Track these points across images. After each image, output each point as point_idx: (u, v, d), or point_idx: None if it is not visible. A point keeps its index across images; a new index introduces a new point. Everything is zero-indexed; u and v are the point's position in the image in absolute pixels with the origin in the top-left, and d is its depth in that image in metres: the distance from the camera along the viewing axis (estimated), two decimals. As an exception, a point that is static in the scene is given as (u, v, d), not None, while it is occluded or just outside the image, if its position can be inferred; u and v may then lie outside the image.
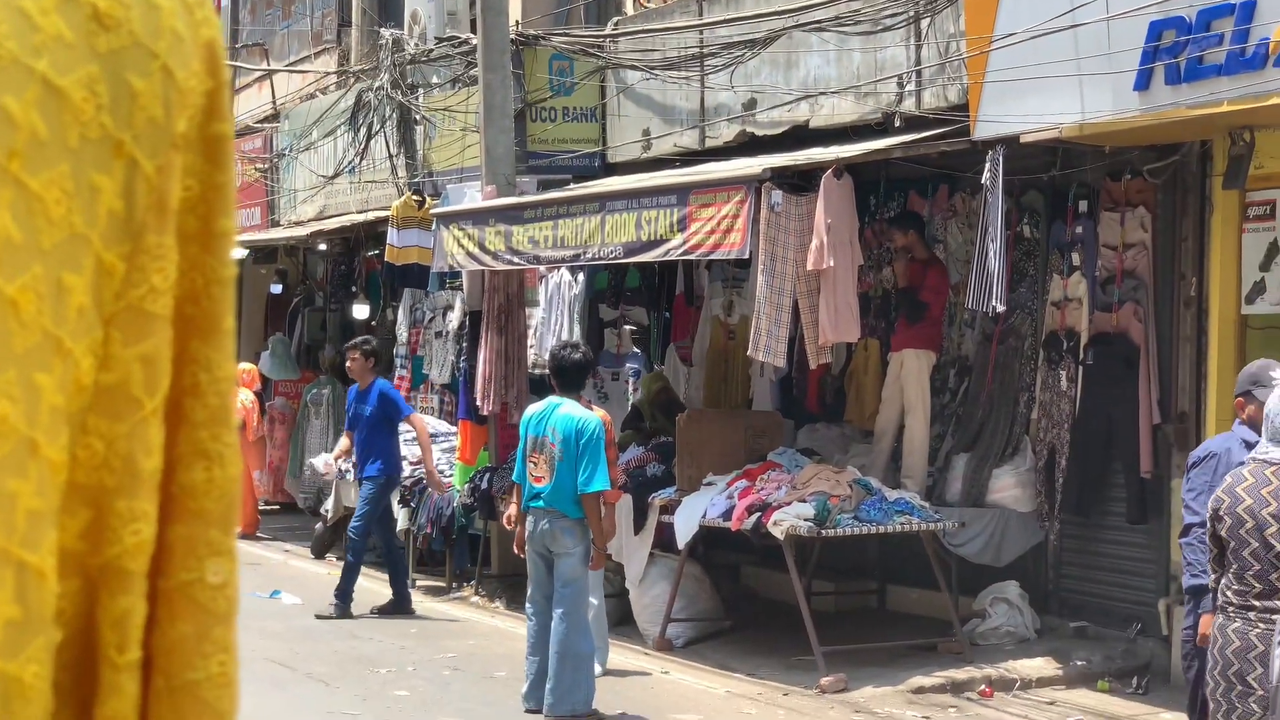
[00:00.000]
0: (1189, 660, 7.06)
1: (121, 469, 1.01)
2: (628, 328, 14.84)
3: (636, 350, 14.57)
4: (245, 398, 16.49)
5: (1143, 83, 9.20)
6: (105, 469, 1.00)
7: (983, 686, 9.84)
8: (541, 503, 9.08)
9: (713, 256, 11.21)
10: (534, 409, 10.05)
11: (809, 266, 10.27)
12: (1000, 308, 9.99)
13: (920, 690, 9.77)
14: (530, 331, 13.91)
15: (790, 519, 10.00)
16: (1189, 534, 6.64)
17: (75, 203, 0.97)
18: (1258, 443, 6.28)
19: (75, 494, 0.99)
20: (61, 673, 0.99)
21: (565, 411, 9.20)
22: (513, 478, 9.87)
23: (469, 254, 13.07)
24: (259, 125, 21.31)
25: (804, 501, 10.33)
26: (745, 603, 12.35)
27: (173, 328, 1.04)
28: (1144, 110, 9.24)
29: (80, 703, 1.01)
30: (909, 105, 11.00)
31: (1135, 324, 10.48)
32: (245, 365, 19.40)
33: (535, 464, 9.27)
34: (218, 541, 1.06)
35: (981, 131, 10.10)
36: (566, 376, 9.46)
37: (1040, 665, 10.19)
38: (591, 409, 9.58)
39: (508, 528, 10.33)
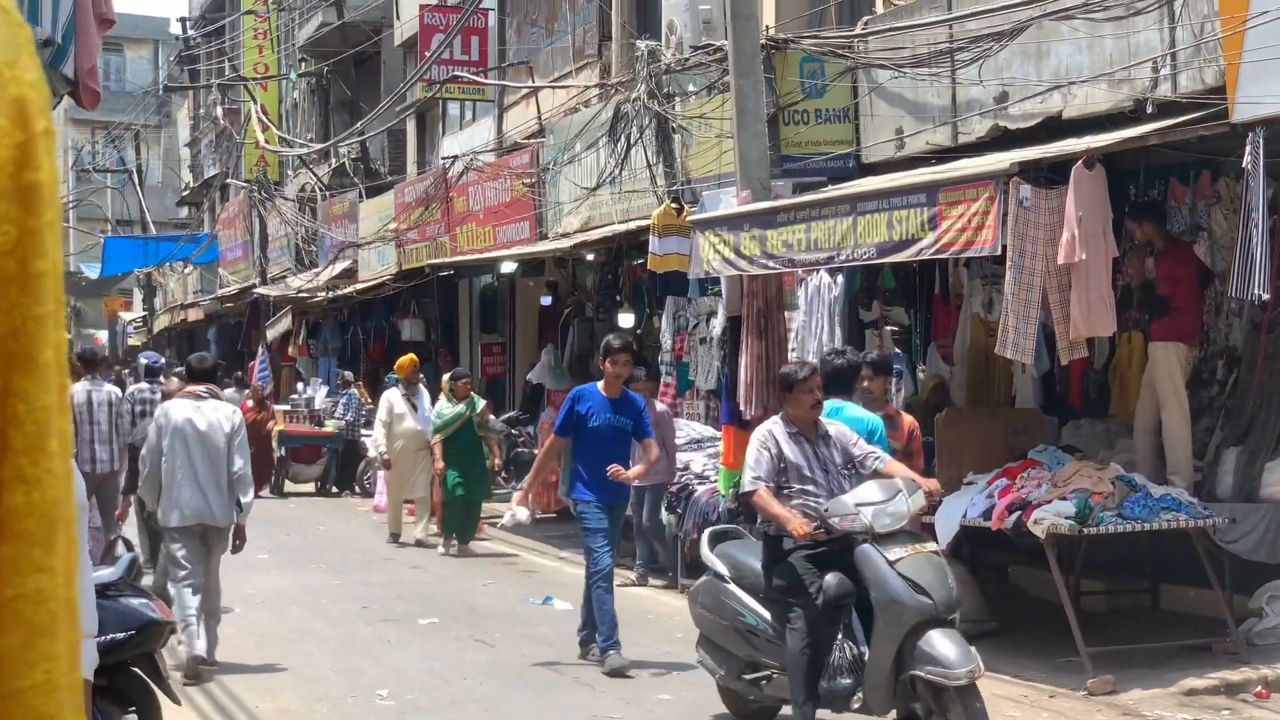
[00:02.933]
0: None
1: None
2: (889, 328, 14.75)
3: (898, 351, 14.47)
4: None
5: None
6: None
7: (1259, 688, 9.52)
8: None
9: (964, 254, 11.07)
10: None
11: (1060, 260, 10.09)
12: (1265, 296, 9.66)
13: (1192, 692, 9.50)
14: (791, 335, 13.93)
15: (1051, 517, 9.83)
16: None
17: None
18: None
19: None
20: None
21: (852, 414, 9.60)
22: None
23: (725, 259, 13.16)
24: (526, 141, 21.80)
25: (1065, 499, 10.14)
26: (1013, 603, 12.16)
27: None
28: None
29: None
30: (1164, 90, 10.70)
31: None
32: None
33: None
34: (39, 559, 1.12)
35: (1240, 113, 9.78)
36: (840, 380, 9.76)
37: (1320, 665, 9.83)
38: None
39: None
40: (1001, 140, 12.14)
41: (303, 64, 35.15)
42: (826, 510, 8.06)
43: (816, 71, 14.28)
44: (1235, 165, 9.98)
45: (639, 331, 18.92)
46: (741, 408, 13.68)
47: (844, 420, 9.60)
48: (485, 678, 10.42)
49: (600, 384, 10.98)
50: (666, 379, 16.16)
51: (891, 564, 7.80)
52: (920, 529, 9.05)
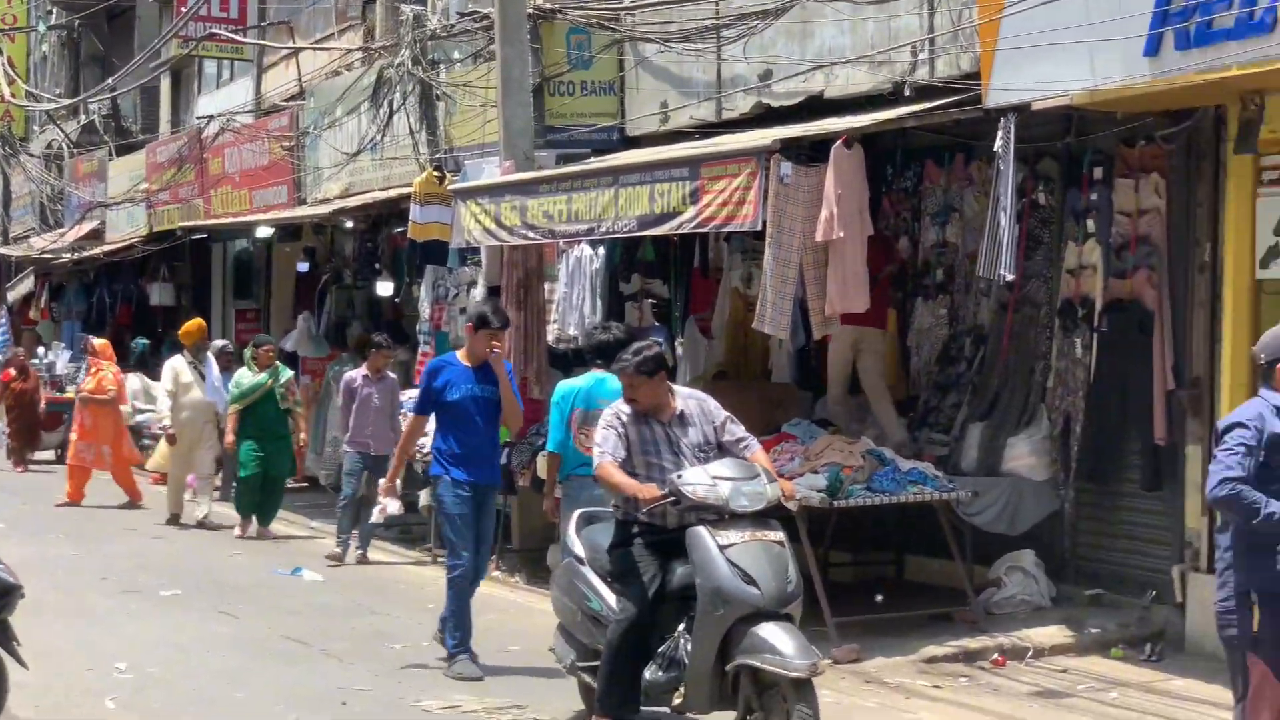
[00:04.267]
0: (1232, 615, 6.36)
1: None
2: (648, 301, 14.83)
3: (657, 324, 14.55)
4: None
5: (1152, 48, 9.14)
6: None
7: (995, 655, 9.82)
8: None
9: (725, 229, 11.19)
10: (576, 383, 10.28)
11: (818, 237, 10.25)
12: (1009, 277, 9.93)
13: (932, 660, 9.75)
14: (552, 306, 13.90)
15: (803, 490, 9.98)
16: (1226, 485, 6.11)
17: None
18: None
19: None
20: None
21: (615, 385, 9.35)
22: (549, 448, 10.36)
23: (485, 229, 13.09)
24: (285, 103, 21.37)
25: (816, 473, 10.32)
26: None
27: None
28: (1154, 76, 9.17)
29: None
30: (922, 74, 10.94)
31: (1150, 290, 10.42)
32: (99, 340, 19.68)
33: (587, 435, 9.66)
34: None
35: (994, 99, 10.05)
36: (608, 354, 9.66)
37: (1054, 633, 10.17)
38: None
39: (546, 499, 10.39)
40: (764, 117, 12.29)
41: (52, 15, 33.94)
42: (680, 478, 7.42)
43: (583, 43, 14.27)
44: (988, 149, 10.25)
45: (397, 300, 18.70)
46: (499, 378, 13.60)
47: (606, 393, 9.65)
48: (229, 650, 10.18)
49: (460, 353, 9.95)
50: (425, 348, 16.01)
51: (722, 549, 7.20)
52: None
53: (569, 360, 14.59)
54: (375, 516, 10.47)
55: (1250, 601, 6.15)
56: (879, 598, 10.79)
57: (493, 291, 14.05)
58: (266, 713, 8.59)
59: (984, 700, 8.95)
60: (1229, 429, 6.26)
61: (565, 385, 10.41)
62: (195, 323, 17.85)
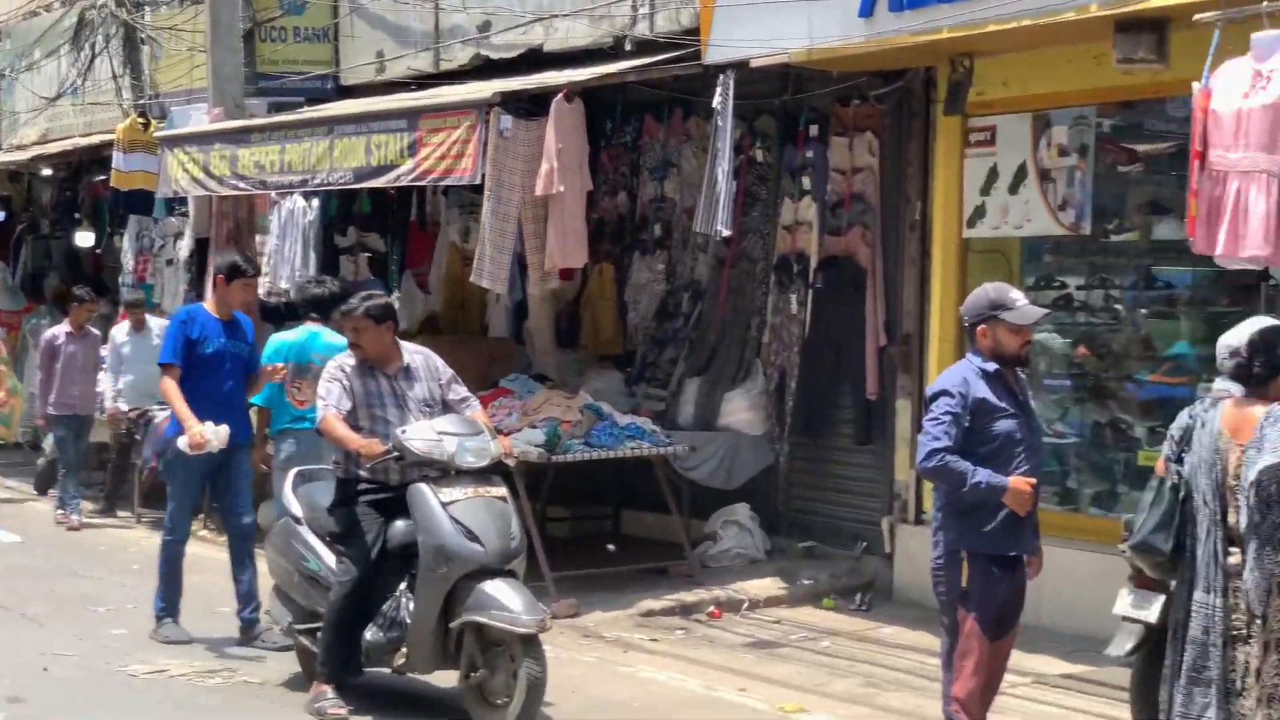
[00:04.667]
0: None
1: None
2: (365, 255, 14.56)
3: (373, 278, 14.28)
4: None
5: (867, 9, 9.26)
6: None
7: (711, 608, 9.91)
8: (309, 424, 8.96)
9: (444, 182, 11.02)
10: (287, 337, 10.02)
11: (539, 192, 10.16)
12: (725, 232, 10.00)
13: (650, 614, 9.79)
14: (263, 259, 13.52)
15: (521, 445, 9.89)
16: (935, 457, 6.15)
17: None
18: (995, 371, 6.25)
19: None
20: None
21: (329, 340, 9.47)
22: (257, 401, 9.78)
23: (194, 179, 12.66)
24: (-23, 44, 20.34)
25: (534, 428, 10.26)
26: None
27: None
28: (869, 36, 9.31)
29: None
30: (642, 29, 10.92)
31: (863, 248, 10.61)
32: None
33: (300, 389, 9.70)
34: None
35: (713, 56, 10.09)
36: (323, 308, 9.67)
37: (768, 585, 10.31)
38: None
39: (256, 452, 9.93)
40: (483, 69, 12.13)
41: None
42: (404, 433, 7.25)
43: (296, -13, 13.89)
44: (707, 105, 10.29)
45: (99, 251, 18.01)
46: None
47: (320, 348, 9.50)
48: (-82, 613, 9.69)
49: (209, 304, 9.32)
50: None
51: (445, 505, 7.10)
52: None
53: (281, 314, 14.26)
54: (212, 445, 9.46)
55: (960, 559, 6.25)
56: (611, 547, 10.86)
57: (201, 243, 13.62)
58: (-40, 679, 8.18)
59: (700, 652, 9.01)
60: (935, 397, 6.29)
61: (277, 339, 10.15)
62: None
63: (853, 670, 8.61)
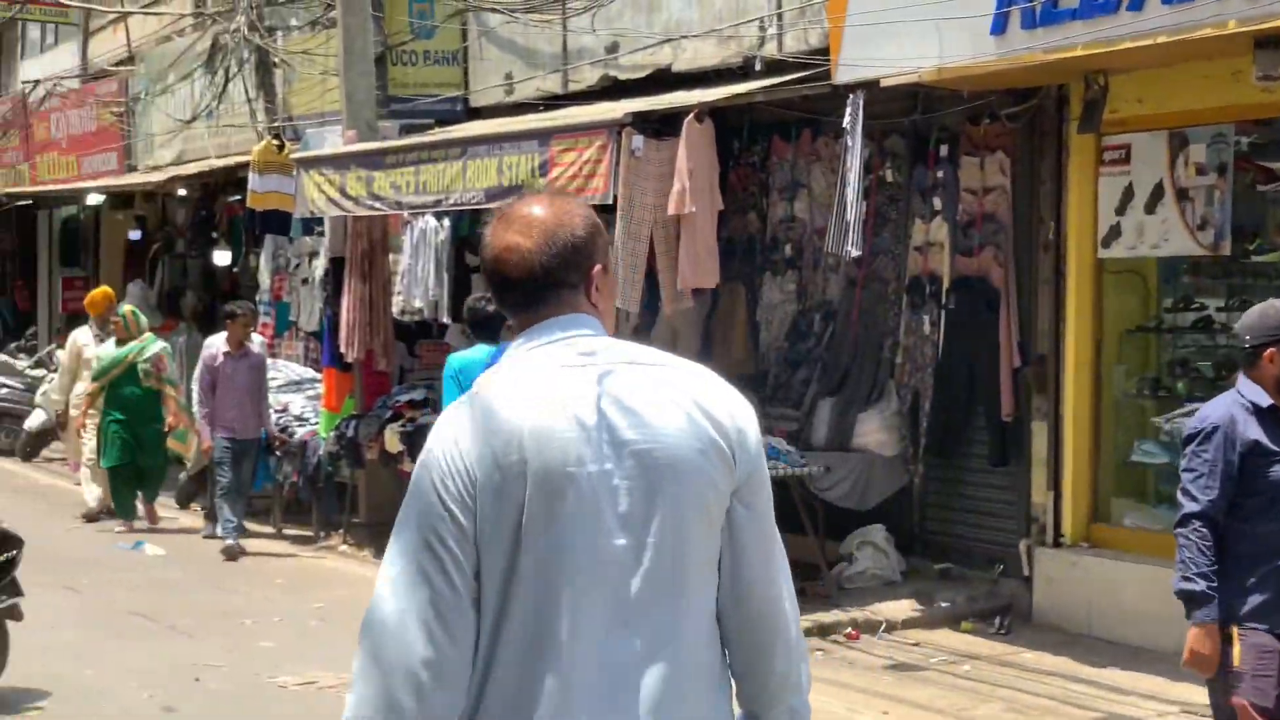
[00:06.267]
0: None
1: None
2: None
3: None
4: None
5: (999, 27, 9.23)
6: None
7: (849, 629, 9.91)
8: None
9: (576, 202, 11.11)
10: (471, 354, 9.93)
11: (670, 211, 10.23)
12: (855, 253, 9.99)
13: (787, 634, 9.79)
14: (396, 278, 13.74)
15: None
16: (1186, 525, 5.21)
17: None
18: (1270, 408, 5.23)
19: None
20: None
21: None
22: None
23: (330, 200, 12.88)
24: (114, 69, 20.82)
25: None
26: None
27: None
28: (1000, 54, 9.27)
29: None
30: (770, 49, 10.96)
31: (995, 268, 10.55)
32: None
33: None
34: None
35: (842, 75, 10.09)
36: (489, 327, 9.47)
37: (905, 607, 10.29)
38: None
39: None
40: (611, 90, 12.24)
41: None
42: None
43: (426, 11, 14.08)
44: (835, 125, 10.30)
45: (235, 269, 18.35)
46: (343, 350, 13.44)
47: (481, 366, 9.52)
48: (74, 626, 9.93)
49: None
50: (265, 319, 15.74)
51: None
52: None
53: (413, 332, 14.47)
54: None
55: (1229, 636, 5.22)
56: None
57: (336, 262, 13.84)
58: (119, 690, 8.39)
59: (840, 674, 9.02)
60: (1196, 437, 5.29)
61: (460, 357, 10.06)
62: (100, 291, 15.60)
63: (995, 695, 8.57)
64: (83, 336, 14.91)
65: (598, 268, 2.69)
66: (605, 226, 2.79)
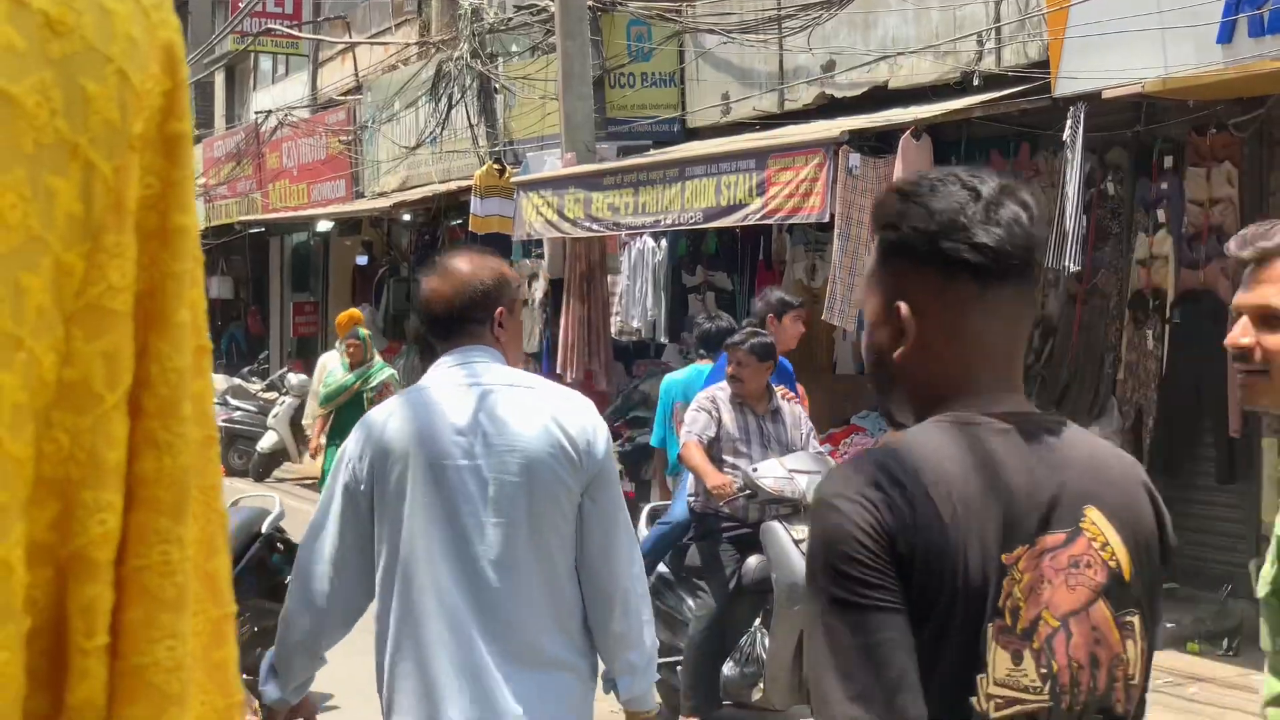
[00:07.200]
0: None
1: (86, 461, 1.02)
2: (711, 294, 14.79)
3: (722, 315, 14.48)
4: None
5: (1226, 35, 9.03)
6: (71, 462, 1.01)
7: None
8: None
9: (792, 220, 11.15)
10: (676, 376, 9.95)
11: (888, 229, 10.18)
12: (1074, 268, 9.84)
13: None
14: (614, 299, 13.91)
15: (873, 483, 9.89)
16: None
17: (32, 206, 0.98)
18: None
19: (43, 487, 1.01)
20: (37, 658, 1.01)
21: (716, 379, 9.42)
22: (653, 443, 9.95)
23: (548, 222, 13.08)
24: (342, 98, 21.45)
25: (886, 465, 10.25)
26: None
27: (133, 322, 1.04)
28: (1227, 63, 9.06)
29: (53, 687, 1.03)
30: (988, 63, 10.87)
31: (1223, 281, 10.28)
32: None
33: None
34: (167, 529, 1.06)
35: (1063, 88, 9.97)
36: (710, 344, 9.45)
37: (1129, 628, 10.06)
38: None
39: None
40: (827, 108, 12.24)
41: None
42: (755, 470, 7.31)
43: (643, 35, 14.25)
44: (1053, 139, 10.17)
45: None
46: (560, 370, 13.63)
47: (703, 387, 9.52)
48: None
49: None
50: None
51: (797, 544, 7.00)
52: None
53: (631, 353, 14.61)
54: None
55: None
56: None
57: (555, 284, 14.05)
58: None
59: (1060, 695, 8.87)
60: None
61: (667, 378, 10.18)
62: (348, 313, 14.72)
63: (1223, 718, 8.35)
64: (330, 361, 14.20)
65: (500, 310, 3.51)
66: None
